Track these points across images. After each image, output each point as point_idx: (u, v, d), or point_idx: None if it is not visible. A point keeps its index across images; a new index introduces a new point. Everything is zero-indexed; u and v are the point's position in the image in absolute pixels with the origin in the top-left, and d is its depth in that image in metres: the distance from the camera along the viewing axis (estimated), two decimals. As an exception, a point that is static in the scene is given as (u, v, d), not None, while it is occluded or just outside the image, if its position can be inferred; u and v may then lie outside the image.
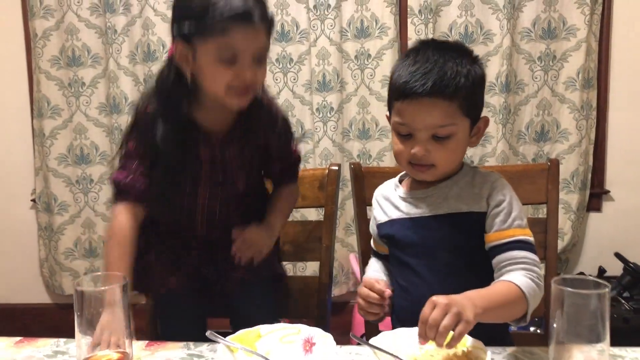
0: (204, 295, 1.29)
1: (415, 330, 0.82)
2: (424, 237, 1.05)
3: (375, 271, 1.18)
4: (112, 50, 2.56)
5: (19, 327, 2.74)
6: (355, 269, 2.47)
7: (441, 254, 1.03)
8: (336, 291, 2.58)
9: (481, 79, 1.05)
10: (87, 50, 2.59)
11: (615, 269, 2.35)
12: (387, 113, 1.11)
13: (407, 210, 1.10)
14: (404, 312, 1.06)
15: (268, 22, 1.12)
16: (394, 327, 0.95)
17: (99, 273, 0.82)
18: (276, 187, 1.35)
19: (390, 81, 1.07)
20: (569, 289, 0.73)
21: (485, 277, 0.99)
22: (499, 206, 1.00)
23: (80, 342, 0.78)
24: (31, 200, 2.75)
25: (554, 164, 1.35)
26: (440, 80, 0.98)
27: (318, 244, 1.41)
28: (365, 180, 1.39)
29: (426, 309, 0.81)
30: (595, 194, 2.57)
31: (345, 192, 2.43)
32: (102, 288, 0.76)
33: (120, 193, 1.18)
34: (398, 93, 1.03)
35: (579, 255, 2.63)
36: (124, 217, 1.15)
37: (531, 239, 1.00)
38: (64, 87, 2.61)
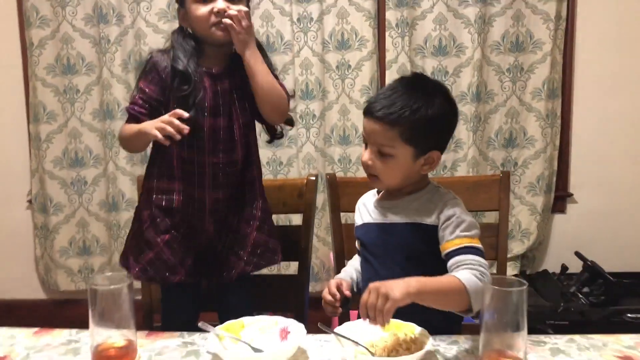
0: (204, 287, 1.47)
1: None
2: (385, 241, 1.22)
3: (346, 271, 1.34)
4: (106, 59, 2.69)
5: (14, 322, 2.87)
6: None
7: (397, 256, 1.20)
8: (318, 287, 2.73)
9: (433, 117, 1.17)
10: (81, 58, 2.72)
11: (577, 266, 2.52)
12: None
13: (375, 216, 1.27)
14: None
15: None
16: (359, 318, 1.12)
17: (110, 273, 0.97)
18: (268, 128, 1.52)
19: None
20: (495, 287, 0.90)
21: None
22: (449, 220, 1.15)
23: (94, 332, 0.93)
24: (27, 201, 2.88)
25: (505, 176, 1.51)
26: (388, 108, 1.15)
27: (297, 246, 1.57)
28: (340, 189, 1.55)
29: (364, 294, 0.97)
30: (560, 197, 2.74)
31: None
32: (112, 287, 0.92)
33: (130, 119, 1.39)
34: (364, 109, 1.21)
35: (544, 254, 2.80)
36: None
37: (479, 245, 1.14)
38: (60, 94, 2.74)
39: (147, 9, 2.64)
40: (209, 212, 1.41)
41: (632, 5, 2.58)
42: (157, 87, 1.38)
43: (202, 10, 1.34)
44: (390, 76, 2.63)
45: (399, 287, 0.96)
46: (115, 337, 0.95)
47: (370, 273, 1.25)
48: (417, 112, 1.15)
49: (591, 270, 2.44)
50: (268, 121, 1.47)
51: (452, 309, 1.05)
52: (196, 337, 1.09)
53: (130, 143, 1.40)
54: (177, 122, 1.24)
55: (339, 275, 1.33)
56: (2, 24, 2.77)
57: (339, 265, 1.54)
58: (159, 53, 1.42)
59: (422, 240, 1.18)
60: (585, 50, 2.64)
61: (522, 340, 0.91)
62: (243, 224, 1.44)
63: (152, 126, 1.27)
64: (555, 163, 2.69)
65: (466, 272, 1.05)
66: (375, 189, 1.33)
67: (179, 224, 1.42)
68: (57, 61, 2.72)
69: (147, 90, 1.38)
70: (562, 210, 2.77)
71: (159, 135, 1.24)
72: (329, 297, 1.20)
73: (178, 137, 1.24)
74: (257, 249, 1.44)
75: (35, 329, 1.13)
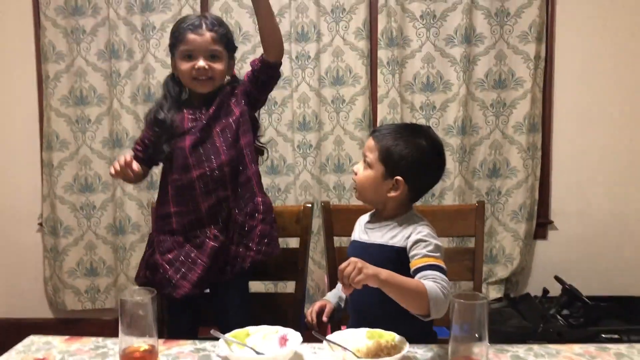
0: (206, 299, 1.67)
1: (360, 331, 1.16)
2: (364, 259, 1.39)
3: (334, 292, 1.53)
4: (116, 91, 2.88)
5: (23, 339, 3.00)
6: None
7: None
8: (313, 308, 2.87)
9: (408, 151, 1.37)
10: (93, 91, 2.91)
11: (559, 289, 2.68)
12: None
13: (361, 235, 1.46)
14: (351, 312, 1.46)
15: (215, 31, 1.64)
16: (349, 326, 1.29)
17: (137, 287, 1.14)
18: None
19: None
20: (460, 300, 1.07)
21: None
22: (416, 243, 1.33)
23: (122, 338, 1.10)
24: (38, 224, 3.04)
25: (481, 205, 1.69)
26: (380, 131, 1.42)
27: (295, 267, 1.73)
28: (333, 216, 1.73)
29: (344, 264, 1.16)
30: (541, 224, 2.91)
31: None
32: (138, 299, 1.08)
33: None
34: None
35: (527, 278, 2.96)
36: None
37: (443, 265, 1.30)
38: (72, 123, 2.92)
39: (156, 45, 2.84)
40: (207, 218, 1.61)
41: (606, 47, 2.79)
42: (151, 130, 1.69)
43: (186, 66, 1.62)
44: (382, 110, 2.83)
45: (373, 268, 1.16)
46: (139, 343, 1.11)
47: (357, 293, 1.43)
48: (398, 141, 1.37)
49: (569, 293, 2.60)
50: (268, 57, 1.65)
51: (412, 308, 1.21)
52: (207, 344, 1.25)
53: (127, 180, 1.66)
54: (121, 163, 1.54)
55: (327, 296, 1.51)
56: (20, 58, 2.96)
57: (333, 286, 1.71)
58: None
59: (389, 260, 1.34)
60: (563, 87, 2.84)
61: (485, 348, 1.07)
62: (248, 220, 1.63)
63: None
64: (536, 192, 2.86)
65: (430, 282, 1.22)
66: (369, 214, 1.51)
67: (181, 242, 1.62)
68: (70, 93, 2.90)
69: (145, 132, 1.74)
70: (543, 237, 2.94)
71: (112, 171, 1.56)
72: (308, 318, 1.44)
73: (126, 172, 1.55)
74: (264, 239, 1.63)
75: (67, 337, 1.29)
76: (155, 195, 2.85)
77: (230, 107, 1.65)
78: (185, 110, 1.67)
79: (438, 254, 1.30)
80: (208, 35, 1.61)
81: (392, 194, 1.39)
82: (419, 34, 2.79)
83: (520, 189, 2.84)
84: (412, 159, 1.38)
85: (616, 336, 2.38)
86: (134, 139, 2.88)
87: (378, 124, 2.83)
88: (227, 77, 1.72)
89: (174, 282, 1.59)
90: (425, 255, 1.29)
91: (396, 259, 1.34)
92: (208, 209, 1.61)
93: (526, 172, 2.83)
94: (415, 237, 1.33)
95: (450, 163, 2.79)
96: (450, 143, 2.79)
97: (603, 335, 2.43)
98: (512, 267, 2.87)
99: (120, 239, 2.95)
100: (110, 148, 2.93)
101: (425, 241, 1.31)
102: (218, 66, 1.63)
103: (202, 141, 1.62)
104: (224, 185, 1.62)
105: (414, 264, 1.29)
